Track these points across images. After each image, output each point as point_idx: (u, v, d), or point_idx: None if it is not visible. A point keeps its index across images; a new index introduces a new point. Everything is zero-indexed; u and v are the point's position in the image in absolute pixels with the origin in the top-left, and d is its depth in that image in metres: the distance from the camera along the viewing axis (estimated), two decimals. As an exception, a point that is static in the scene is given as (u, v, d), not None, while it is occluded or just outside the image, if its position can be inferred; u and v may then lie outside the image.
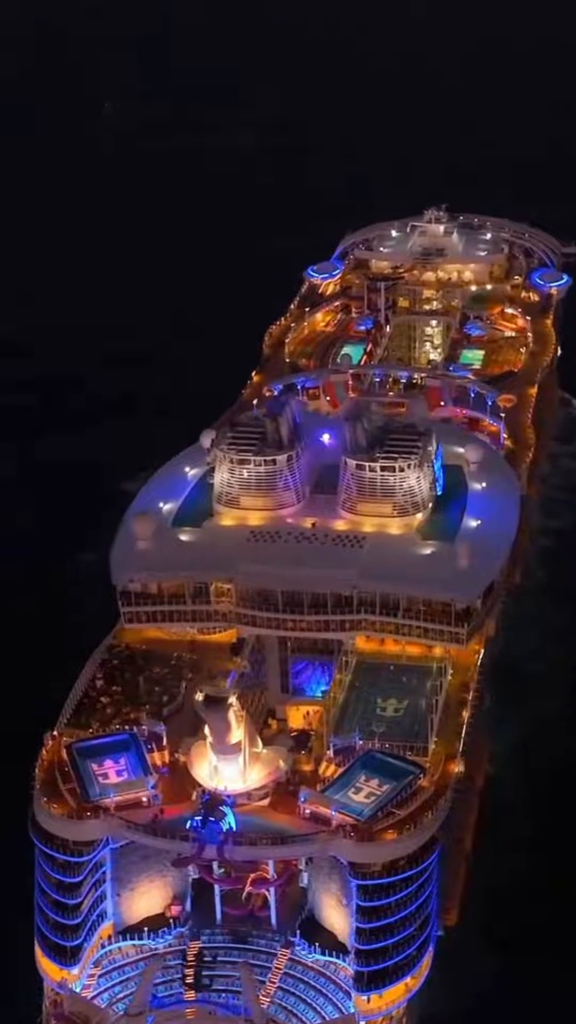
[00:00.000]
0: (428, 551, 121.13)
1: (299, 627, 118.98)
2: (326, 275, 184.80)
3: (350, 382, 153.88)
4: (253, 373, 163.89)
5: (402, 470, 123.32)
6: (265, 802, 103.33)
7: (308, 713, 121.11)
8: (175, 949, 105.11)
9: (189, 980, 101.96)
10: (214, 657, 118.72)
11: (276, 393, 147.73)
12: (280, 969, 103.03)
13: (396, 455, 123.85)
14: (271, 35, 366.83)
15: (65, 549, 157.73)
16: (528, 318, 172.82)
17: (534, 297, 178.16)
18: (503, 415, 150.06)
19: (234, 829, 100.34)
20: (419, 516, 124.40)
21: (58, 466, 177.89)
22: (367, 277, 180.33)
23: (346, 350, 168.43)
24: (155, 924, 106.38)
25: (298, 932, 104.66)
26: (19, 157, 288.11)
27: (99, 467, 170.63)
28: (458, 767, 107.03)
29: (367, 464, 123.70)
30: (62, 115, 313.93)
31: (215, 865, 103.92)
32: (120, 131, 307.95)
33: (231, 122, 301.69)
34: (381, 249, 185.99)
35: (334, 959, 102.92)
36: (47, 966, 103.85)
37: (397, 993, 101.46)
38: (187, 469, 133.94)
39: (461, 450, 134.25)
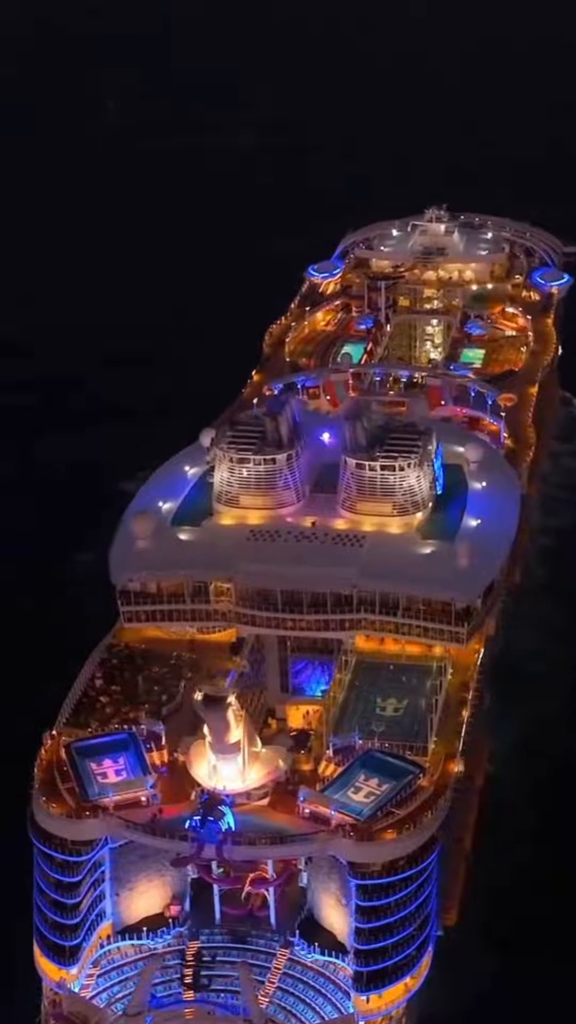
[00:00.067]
0: (428, 550, 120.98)
1: (299, 626, 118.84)
2: (326, 274, 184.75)
3: (350, 381, 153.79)
4: (253, 372, 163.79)
5: (402, 469, 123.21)
6: (264, 802, 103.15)
7: (308, 712, 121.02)
8: (174, 949, 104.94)
9: (188, 980, 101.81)
10: (213, 656, 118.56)
11: (276, 392, 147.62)
12: (279, 969, 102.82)
13: (396, 454, 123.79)
14: (271, 35, 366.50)
15: (65, 549, 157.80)
16: (529, 317, 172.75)
17: (535, 296, 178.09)
18: (503, 414, 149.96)
19: (233, 829, 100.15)
20: (419, 515, 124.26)
21: (58, 466, 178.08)
22: (368, 276, 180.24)
23: (346, 349, 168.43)
24: (154, 924, 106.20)
25: (297, 932, 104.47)
26: (19, 157, 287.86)
27: (99, 467, 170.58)
28: (458, 767, 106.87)
29: (367, 463, 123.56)
30: (62, 115, 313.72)
31: (214, 865, 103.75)
32: (120, 131, 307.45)
33: (231, 122, 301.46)
34: (382, 248, 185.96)
35: (333, 959, 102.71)
36: (46, 966, 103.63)
37: (396, 993, 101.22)
38: (187, 468, 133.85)
39: (461, 449, 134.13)
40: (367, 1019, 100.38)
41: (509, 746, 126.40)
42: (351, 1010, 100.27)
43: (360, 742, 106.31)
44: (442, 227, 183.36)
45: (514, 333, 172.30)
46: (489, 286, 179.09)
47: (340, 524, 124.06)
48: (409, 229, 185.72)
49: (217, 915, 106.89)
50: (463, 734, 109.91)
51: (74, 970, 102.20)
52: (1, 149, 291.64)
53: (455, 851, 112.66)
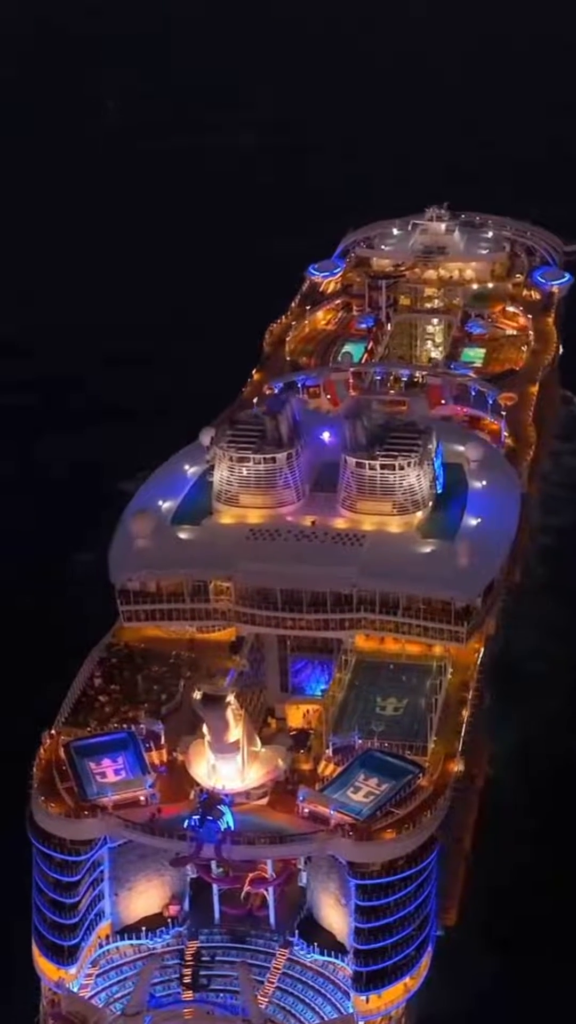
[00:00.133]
0: (428, 549, 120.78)
1: (298, 626, 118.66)
2: (327, 273, 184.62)
3: (351, 380, 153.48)
4: (254, 371, 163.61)
5: (402, 468, 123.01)
6: (263, 801, 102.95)
7: (307, 712, 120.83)
8: (173, 949, 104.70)
9: (187, 980, 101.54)
10: (213, 656, 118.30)
11: (277, 391, 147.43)
12: (278, 969, 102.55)
13: (396, 453, 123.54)
14: (271, 35, 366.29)
15: (65, 549, 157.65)
16: (530, 316, 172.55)
17: (536, 295, 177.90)
18: (504, 413, 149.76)
19: (232, 828, 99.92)
20: (419, 514, 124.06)
21: (58, 466, 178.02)
22: (368, 275, 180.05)
23: (347, 348, 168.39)
24: (153, 923, 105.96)
25: (296, 932, 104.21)
26: (19, 157, 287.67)
27: (99, 467, 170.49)
28: (457, 766, 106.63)
29: (367, 462, 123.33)
30: (62, 115, 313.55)
31: (213, 864, 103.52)
32: (120, 131, 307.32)
33: (231, 122, 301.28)
34: (382, 247, 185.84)
35: (333, 959, 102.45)
36: (44, 965, 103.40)
37: (396, 993, 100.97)
38: (186, 467, 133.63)
39: (462, 448, 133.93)
40: (366, 1019, 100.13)
41: (509, 746, 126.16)
42: (350, 1010, 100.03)
43: (360, 742, 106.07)
44: (443, 226, 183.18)
45: (515, 332, 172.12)
46: (490, 285, 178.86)
47: (340, 523, 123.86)
48: (410, 228, 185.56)
49: (216, 915, 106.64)
50: (463, 734, 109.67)
51: (73, 970, 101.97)
52: (1, 149, 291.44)
53: (455, 851, 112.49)
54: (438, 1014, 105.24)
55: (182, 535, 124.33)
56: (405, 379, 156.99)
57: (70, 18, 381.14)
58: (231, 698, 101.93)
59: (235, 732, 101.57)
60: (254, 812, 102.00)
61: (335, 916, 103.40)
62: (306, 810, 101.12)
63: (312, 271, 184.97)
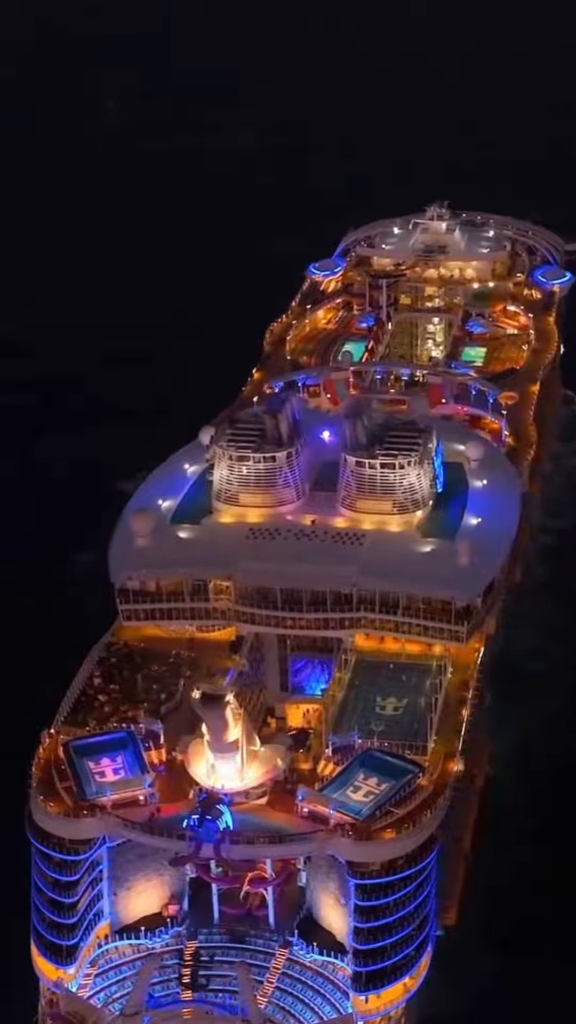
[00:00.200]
0: (428, 549, 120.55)
1: (298, 625, 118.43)
2: (327, 272, 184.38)
3: (351, 379, 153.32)
4: (254, 370, 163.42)
5: (402, 467, 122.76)
6: (263, 801, 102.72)
7: (307, 711, 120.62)
8: (172, 948, 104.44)
9: (186, 980, 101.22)
10: (213, 655, 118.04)
11: (277, 390, 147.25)
12: (278, 969, 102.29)
13: (396, 452, 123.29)
14: (271, 35, 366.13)
15: (65, 549, 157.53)
16: (530, 315, 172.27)
17: (536, 294, 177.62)
18: (505, 412, 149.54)
19: (231, 828, 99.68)
20: (419, 513, 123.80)
21: (58, 466, 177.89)
22: (369, 274, 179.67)
23: (347, 347, 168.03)
24: (152, 923, 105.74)
25: (296, 932, 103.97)
26: (19, 157, 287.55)
27: (99, 467, 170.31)
28: (457, 766, 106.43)
29: (367, 461, 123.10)
30: (62, 115, 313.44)
31: (212, 864, 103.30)
32: (120, 131, 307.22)
33: (231, 122, 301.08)
34: (383, 246, 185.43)
35: (332, 959, 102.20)
36: (43, 965, 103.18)
37: (395, 993, 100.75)
38: (186, 466, 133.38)
39: (462, 447, 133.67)
40: (366, 1019, 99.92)
41: (509, 745, 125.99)
42: (350, 1010, 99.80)
43: (359, 741, 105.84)
44: (443, 225, 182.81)
45: (516, 331, 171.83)
46: (491, 284, 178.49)
47: (340, 522, 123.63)
48: (410, 227, 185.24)
49: (215, 915, 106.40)
50: (463, 733, 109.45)
51: (71, 970, 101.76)
52: (1, 149, 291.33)
53: (455, 851, 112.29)
54: (438, 1014, 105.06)
55: (182, 534, 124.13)
56: (405, 378, 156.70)
57: (70, 18, 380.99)
58: (230, 697, 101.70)
59: (234, 731, 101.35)
60: (253, 812, 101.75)
61: (334, 916, 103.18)
62: (305, 810, 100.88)
63: (312, 270, 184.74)
